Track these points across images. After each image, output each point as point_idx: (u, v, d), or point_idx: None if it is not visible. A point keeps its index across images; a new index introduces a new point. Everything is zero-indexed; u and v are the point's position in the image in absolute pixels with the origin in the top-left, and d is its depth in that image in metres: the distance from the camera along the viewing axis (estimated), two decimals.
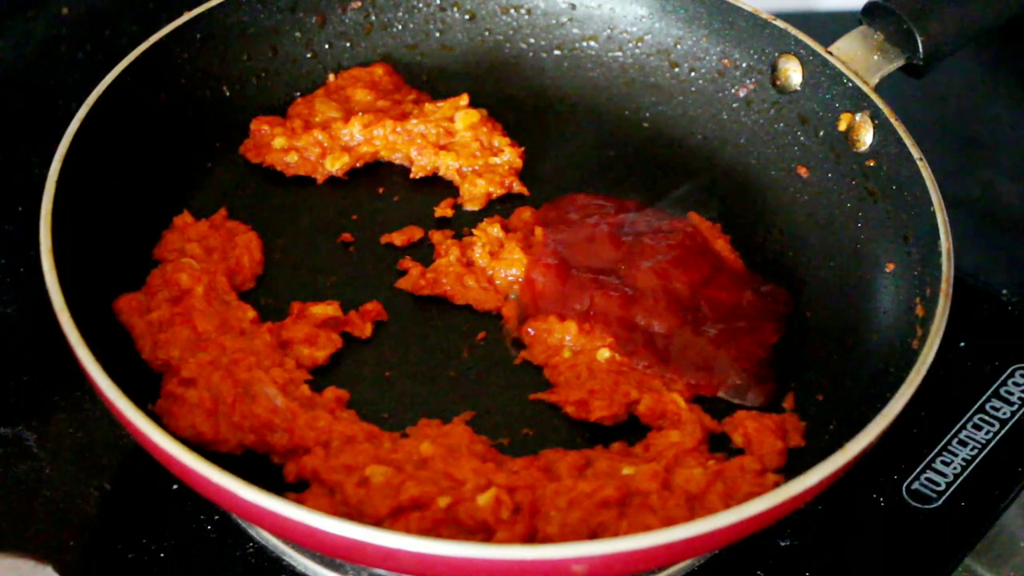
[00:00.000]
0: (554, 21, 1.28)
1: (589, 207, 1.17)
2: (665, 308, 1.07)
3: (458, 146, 1.19)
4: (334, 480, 0.92)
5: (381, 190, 1.18)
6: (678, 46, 1.25)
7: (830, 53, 1.15)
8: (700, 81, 1.25)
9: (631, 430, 1.01)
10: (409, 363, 1.05)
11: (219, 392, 0.96)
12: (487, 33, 1.29)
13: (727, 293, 1.10)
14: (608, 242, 1.13)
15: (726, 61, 1.23)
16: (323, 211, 1.16)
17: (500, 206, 1.18)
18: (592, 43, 1.28)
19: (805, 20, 1.20)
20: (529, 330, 1.06)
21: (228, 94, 1.20)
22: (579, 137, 1.24)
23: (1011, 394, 1.12)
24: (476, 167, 1.19)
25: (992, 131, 1.39)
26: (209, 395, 0.96)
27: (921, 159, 1.06)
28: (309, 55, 1.25)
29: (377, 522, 0.89)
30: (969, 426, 1.09)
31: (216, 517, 1.01)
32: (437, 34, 1.29)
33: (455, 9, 1.28)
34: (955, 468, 1.07)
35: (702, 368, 1.05)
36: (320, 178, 1.18)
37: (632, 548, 0.80)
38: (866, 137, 1.12)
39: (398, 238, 1.14)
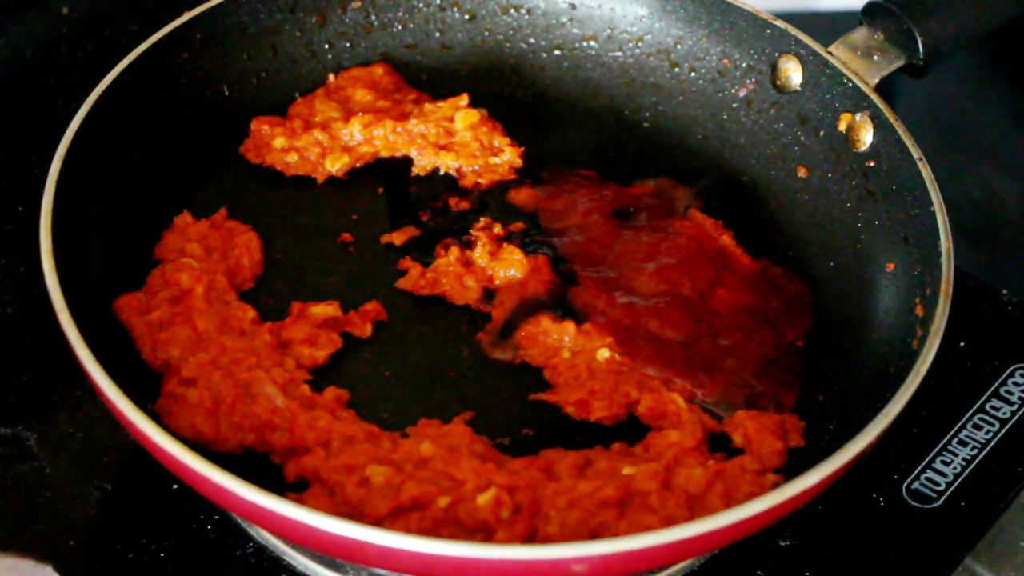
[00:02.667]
0: (554, 21, 1.28)
1: (582, 186, 1.17)
2: (675, 316, 1.07)
3: (458, 146, 1.19)
4: (334, 480, 0.92)
5: (381, 190, 1.18)
6: (678, 46, 1.25)
7: (830, 53, 1.15)
8: (700, 81, 1.25)
9: (631, 430, 1.01)
10: (409, 363, 1.05)
11: (219, 392, 0.96)
12: (487, 33, 1.29)
13: (736, 294, 1.09)
14: (607, 234, 1.13)
15: (726, 61, 1.23)
16: (323, 211, 1.16)
17: None
18: (592, 43, 1.28)
19: (805, 20, 1.21)
20: (523, 333, 1.06)
21: (228, 94, 1.20)
22: (579, 137, 1.24)
23: (1011, 394, 1.12)
24: (476, 167, 1.19)
25: (992, 131, 1.39)
26: (209, 395, 0.96)
27: (921, 159, 1.06)
28: (309, 55, 1.25)
29: (377, 522, 0.88)
30: (969, 426, 1.09)
31: (216, 517, 1.01)
32: (437, 34, 1.29)
33: (455, 9, 1.28)
34: (955, 468, 1.07)
35: (719, 377, 1.04)
36: (320, 178, 1.18)
37: (632, 548, 0.80)
38: (866, 137, 1.12)
39: (398, 238, 1.14)
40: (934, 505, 1.05)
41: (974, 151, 1.35)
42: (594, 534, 0.89)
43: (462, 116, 1.20)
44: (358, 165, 1.19)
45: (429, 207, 1.17)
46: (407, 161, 1.20)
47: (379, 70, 1.25)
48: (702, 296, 1.09)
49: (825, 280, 1.12)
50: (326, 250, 1.13)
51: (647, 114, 1.26)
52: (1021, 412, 1.10)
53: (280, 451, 0.95)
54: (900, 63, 1.15)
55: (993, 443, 1.08)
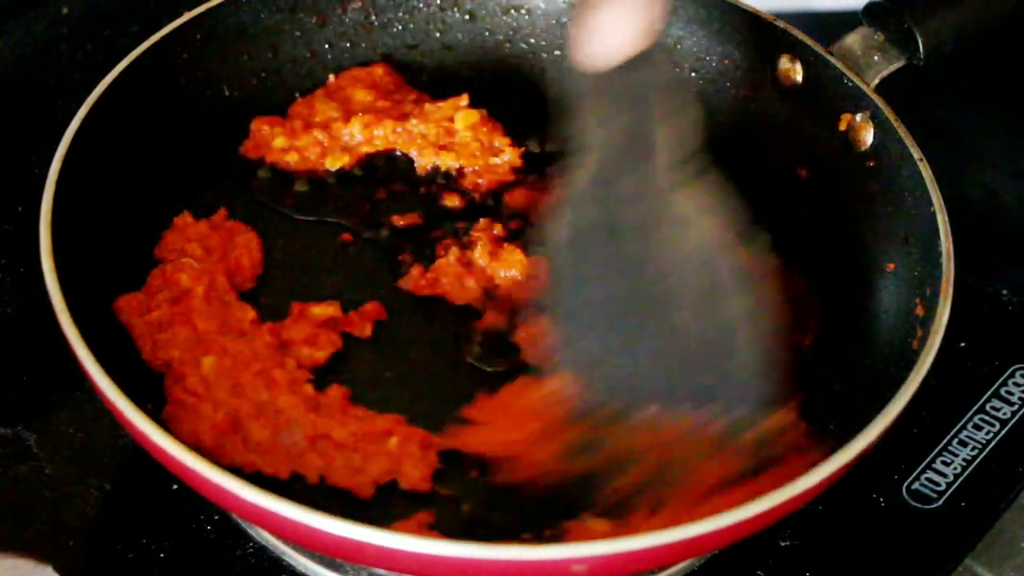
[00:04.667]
0: (554, 21, 1.28)
1: None
2: None
3: (458, 146, 1.19)
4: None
5: (383, 191, 1.18)
6: (678, 46, 1.25)
7: (830, 53, 1.15)
8: (700, 81, 1.25)
9: None
10: (409, 363, 1.05)
11: (233, 410, 0.96)
12: (487, 33, 1.29)
13: None
14: None
15: (726, 61, 1.23)
16: (323, 211, 1.16)
17: None
18: None
19: (805, 20, 1.20)
20: (522, 333, 1.06)
21: (228, 94, 1.20)
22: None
23: (1011, 394, 1.12)
24: (476, 167, 1.19)
25: (992, 131, 1.39)
26: (226, 417, 0.96)
27: (921, 159, 1.06)
28: (309, 55, 1.25)
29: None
30: (969, 426, 1.09)
31: (216, 517, 1.01)
32: (437, 34, 1.28)
33: (455, 9, 1.28)
34: (955, 468, 1.07)
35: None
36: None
37: (632, 548, 0.80)
38: (866, 137, 1.12)
39: (398, 237, 1.13)
40: (934, 505, 1.05)
41: (974, 151, 1.35)
42: None
43: (462, 116, 1.20)
44: (358, 165, 1.19)
45: (429, 207, 1.17)
46: (407, 161, 1.20)
47: (379, 70, 1.25)
48: None
49: (825, 280, 1.12)
50: (326, 250, 1.13)
51: None
52: (1021, 412, 1.10)
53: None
54: (900, 63, 1.15)
55: (993, 443, 1.08)
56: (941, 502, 1.05)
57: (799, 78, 1.18)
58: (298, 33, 1.24)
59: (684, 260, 0.97)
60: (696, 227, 0.97)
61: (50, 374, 1.09)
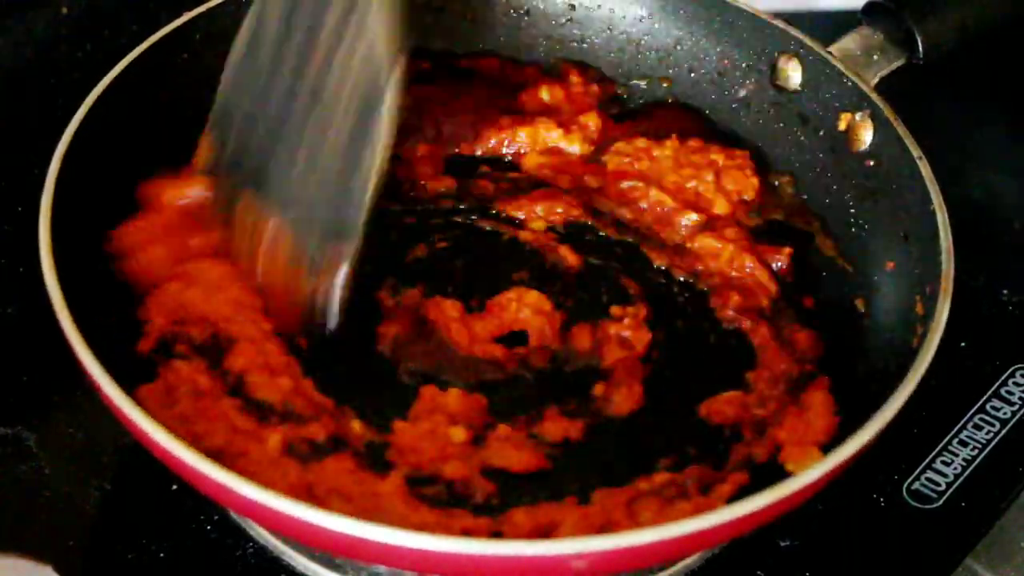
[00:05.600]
0: (554, 22, 1.28)
1: None
2: None
3: None
4: None
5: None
6: (678, 47, 1.25)
7: (830, 53, 1.15)
8: (700, 82, 1.25)
9: None
10: None
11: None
12: (487, 35, 1.29)
13: None
14: None
15: (726, 61, 1.23)
16: None
17: None
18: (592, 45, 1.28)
19: (805, 20, 1.20)
20: None
21: None
22: None
23: (1011, 394, 1.12)
24: None
25: (992, 131, 1.39)
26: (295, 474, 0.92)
27: (921, 158, 1.06)
28: None
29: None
30: (969, 426, 1.09)
31: (216, 517, 1.01)
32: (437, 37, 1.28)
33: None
34: (955, 468, 1.07)
35: None
36: None
37: (631, 544, 0.80)
38: (866, 137, 1.12)
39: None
40: (934, 505, 1.04)
41: (974, 151, 1.35)
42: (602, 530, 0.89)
43: None
44: None
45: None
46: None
47: None
48: None
49: (826, 279, 1.12)
50: None
51: None
52: (1021, 412, 1.10)
53: None
54: (900, 63, 1.15)
55: (993, 443, 1.08)
56: (941, 502, 1.05)
57: (799, 78, 1.18)
58: None
59: (352, 85, 0.99)
60: (372, 53, 0.99)
61: (50, 374, 1.09)
